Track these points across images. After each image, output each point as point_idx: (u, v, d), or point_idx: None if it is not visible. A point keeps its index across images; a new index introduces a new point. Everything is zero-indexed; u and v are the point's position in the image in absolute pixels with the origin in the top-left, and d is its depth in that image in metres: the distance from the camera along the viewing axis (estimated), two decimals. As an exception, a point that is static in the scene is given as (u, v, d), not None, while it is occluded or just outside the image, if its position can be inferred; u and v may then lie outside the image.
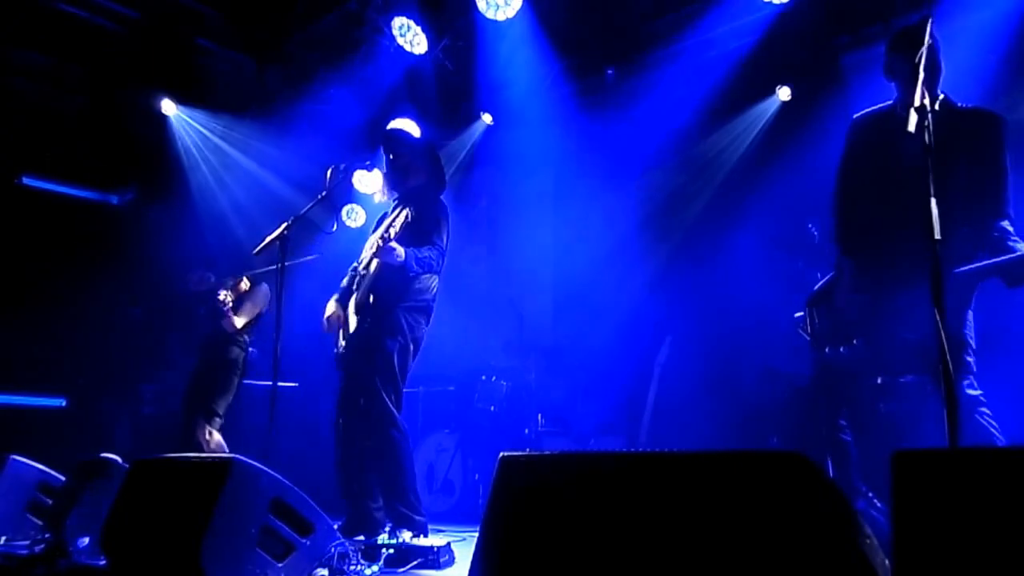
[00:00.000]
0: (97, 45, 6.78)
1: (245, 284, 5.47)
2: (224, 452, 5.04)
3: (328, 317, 4.13)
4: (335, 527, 3.75)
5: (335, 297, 4.21)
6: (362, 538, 3.69)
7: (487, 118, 7.14)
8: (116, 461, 3.73)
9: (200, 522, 2.60)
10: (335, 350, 4.11)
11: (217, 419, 5.19)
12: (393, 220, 3.80)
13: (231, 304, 5.17)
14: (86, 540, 3.46)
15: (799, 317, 3.46)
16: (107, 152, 7.55)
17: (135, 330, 7.42)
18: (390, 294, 3.88)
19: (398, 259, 3.70)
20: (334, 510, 3.48)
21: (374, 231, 4.24)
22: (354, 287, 4.08)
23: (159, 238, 7.01)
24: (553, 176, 7.27)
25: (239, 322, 5.26)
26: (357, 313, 3.95)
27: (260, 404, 5.32)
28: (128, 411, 7.01)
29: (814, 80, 5.76)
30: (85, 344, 7.17)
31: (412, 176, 4.19)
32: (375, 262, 3.87)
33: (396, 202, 4.18)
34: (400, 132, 4.33)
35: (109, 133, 7.41)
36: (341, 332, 4.08)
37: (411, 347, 3.93)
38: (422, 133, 4.65)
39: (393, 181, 4.21)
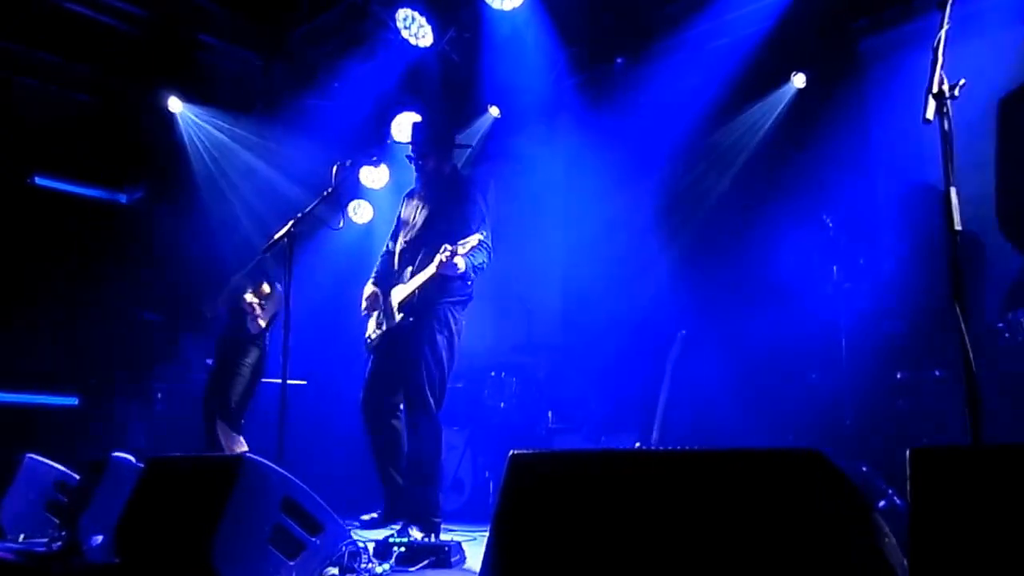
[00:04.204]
0: (104, 44, 6.78)
1: (267, 288, 5.49)
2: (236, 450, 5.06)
3: (368, 298, 4.20)
4: (373, 516, 3.82)
5: (372, 280, 4.30)
6: (398, 526, 3.80)
7: (494, 111, 7.10)
8: (128, 460, 3.75)
9: (212, 521, 2.62)
10: (368, 337, 4.18)
11: (238, 420, 5.21)
12: (437, 210, 4.00)
13: (258, 306, 5.23)
14: (100, 538, 3.48)
15: (1011, 318, 3.20)
16: (115, 151, 7.57)
17: (147, 328, 7.45)
18: (438, 292, 3.99)
19: (458, 271, 3.83)
20: (345, 508, 3.47)
21: (407, 210, 4.28)
22: (396, 276, 4.14)
23: (168, 236, 7.03)
24: (563, 169, 7.21)
25: (263, 323, 5.31)
26: (400, 308, 4.02)
27: (270, 402, 5.34)
28: (141, 410, 7.04)
29: (831, 66, 5.63)
30: (97, 343, 7.20)
31: (442, 166, 4.23)
32: (430, 270, 3.86)
33: (425, 189, 4.24)
34: (418, 129, 4.33)
35: (117, 132, 7.43)
36: (375, 317, 4.16)
37: (456, 340, 4.05)
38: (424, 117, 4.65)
39: (429, 182, 4.24)
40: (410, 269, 4.08)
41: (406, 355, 3.97)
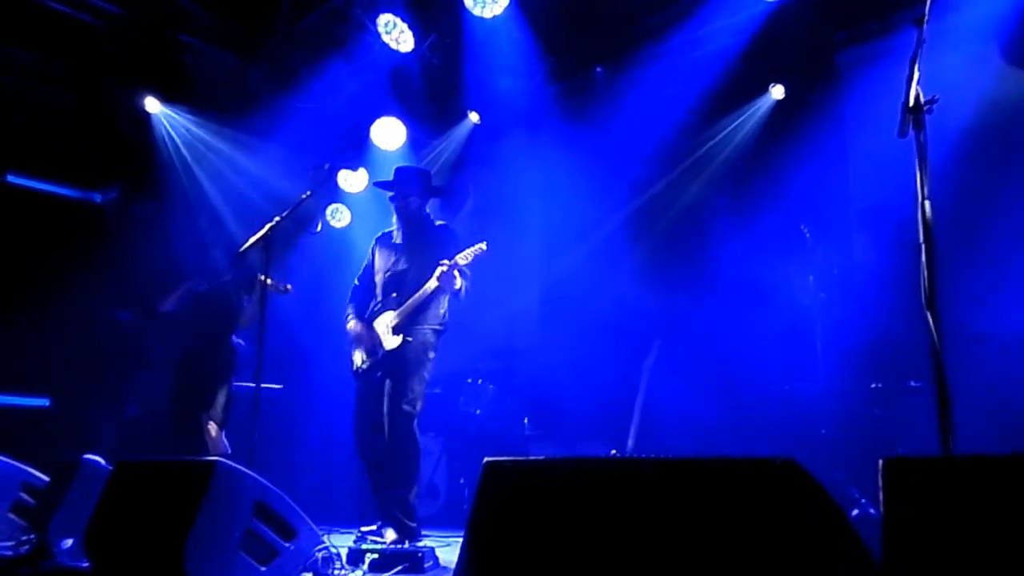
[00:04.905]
0: (80, 41, 6.69)
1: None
2: (227, 452, 5.00)
3: (357, 335, 4.40)
4: (372, 528, 3.87)
5: (350, 314, 4.49)
6: (374, 526, 4.04)
7: (474, 117, 7.10)
8: (99, 462, 3.69)
9: (183, 525, 2.60)
10: (356, 366, 4.36)
11: (220, 416, 5.13)
12: (422, 250, 4.26)
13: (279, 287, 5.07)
14: (69, 542, 3.42)
15: None
16: (91, 150, 7.46)
17: (119, 330, 7.34)
18: (427, 317, 4.26)
19: (456, 287, 4.08)
20: (318, 514, 3.45)
21: (389, 256, 4.47)
22: (376, 308, 4.37)
23: (143, 237, 6.94)
24: (541, 175, 7.22)
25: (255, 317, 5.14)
26: (395, 332, 4.22)
27: (244, 406, 5.27)
28: (112, 412, 6.93)
29: (809, 78, 5.71)
30: (69, 343, 7.09)
31: (424, 207, 4.51)
32: (431, 284, 4.11)
33: (413, 232, 4.46)
34: (398, 177, 4.52)
35: (93, 131, 7.32)
36: (362, 349, 4.33)
37: (433, 364, 4.33)
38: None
39: (410, 221, 4.46)
40: (395, 295, 4.29)
41: (393, 372, 4.18)
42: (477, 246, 4.08)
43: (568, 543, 1.78)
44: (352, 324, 4.45)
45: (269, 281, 4.90)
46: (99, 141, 7.38)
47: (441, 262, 4.02)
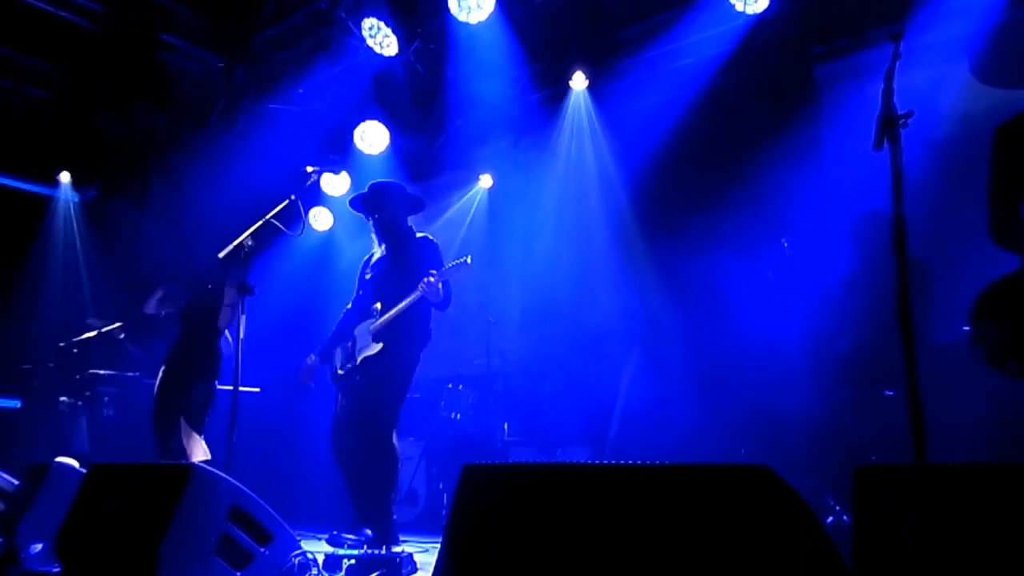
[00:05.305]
0: (61, 39, 6.62)
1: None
2: (207, 457, 4.94)
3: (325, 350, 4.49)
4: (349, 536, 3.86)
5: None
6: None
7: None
8: (71, 466, 3.64)
9: (157, 529, 2.57)
10: (337, 370, 4.39)
11: (202, 421, 5.07)
12: (401, 264, 4.30)
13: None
14: (39, 546, 3.37)
15: (968, 331, 3.29)
16: (69, 148, 7.38)
17: (94, 330, 7.24)
18: (409, 327, 4.26)
19: (439, 297, 4.11)
20: (296, 518, 3.42)
21: (369, 272, 4.52)
22: (360, 311, 4.41)
23: (121, 236, 6.87)
24: (522, 183, 7.25)
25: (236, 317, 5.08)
26: (374, 340, 4.24)
27: (222, 409, 5.23)
28: (86, 414, 6.84)
29: (788, 90, 5.79)
30: (42, 344, 6.99)
31: (400, 221, 4.50)
32: (413, 296, 4.14)
33: (391, 247, 4.47)
34: (372, 191, 4.53)
35: (71, 129, 7.24)
36: (342, 355, 4.39)
37: (412, 375, 4.34)
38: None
39: (385, 234, 4.48)
40: (378, 305, 4.29)
41: (371, 378, 4.20)
42: (462, 259, 4.09)
43: (546, 548, 1.79)
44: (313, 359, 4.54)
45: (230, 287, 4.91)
46: (78, 140, 7.31)
47: (430, 272, 4.04)
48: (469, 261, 4.10)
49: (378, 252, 4.53)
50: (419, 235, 4.52)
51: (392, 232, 4.45)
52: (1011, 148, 3.06)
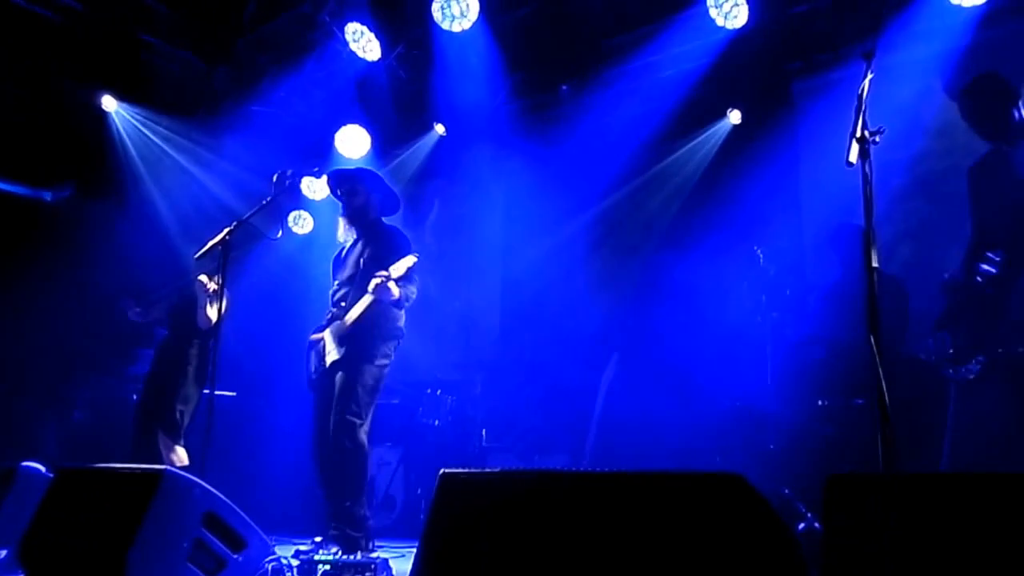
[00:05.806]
0: (35, 35, 6.53)
1: (214, 285, 5.18)
2: (184, 462, 4.87)
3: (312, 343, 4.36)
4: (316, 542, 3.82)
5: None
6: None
7: (440, 129, 7.11)
8: (38, 470, 3.58)
9: (126, 535, 2.53)
10: (311, 375, 4.32)
11: (180, 429, 4.99)
12: (369, 254, 4.21)
13: (211, 293, 4.89)
14: (3, 552, 3.31)
15: (930, 342, 3.44)
16: (42, 147, 7.26)
17: (67, 332, 7.13)
18: (372, 326, 4.15)
19: (393, 297, 4.01)
20: (271, 524, 3.40)
21: (340, 263, 4.46)
22: (329, 317, 4.34)
23: (94, 238, 6.77)
24: (504, 190, 7.27)
25: (213, 316, 4.93)
26: (339, 343, 4.16)
27: (197, 414, 5.17)
28: (55, 416, 6.73)
29: (765, 104, 5.88)
30: (9, 345, 6.87)
31: (371, 210, 4.45)
32: (367, 298, 4.04)
33: (359, 235, 4.43)
34: (351, 172, 4.52)
35: (46, 127, 7.13)
36: (315, 359, 4.31)
37: (385, 371, 4.27)
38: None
39: (354, 219, 4.44)
40: (343, 304, 4.24)
41: (340, 381, 4.14)
42: (407, 258, 4.03)
43: (522, 555, 1.79)
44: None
45: (214, 286, 4.82)
46: (51, 138, 7.20)
47: (378, 274, 3.96)
48: (416, 258, 4.06)
49: (346, 238, 4.49)
50: (388, 223, 4.48)
51: (360, 218, 4.41)
52: (979, 190, 3.25)
